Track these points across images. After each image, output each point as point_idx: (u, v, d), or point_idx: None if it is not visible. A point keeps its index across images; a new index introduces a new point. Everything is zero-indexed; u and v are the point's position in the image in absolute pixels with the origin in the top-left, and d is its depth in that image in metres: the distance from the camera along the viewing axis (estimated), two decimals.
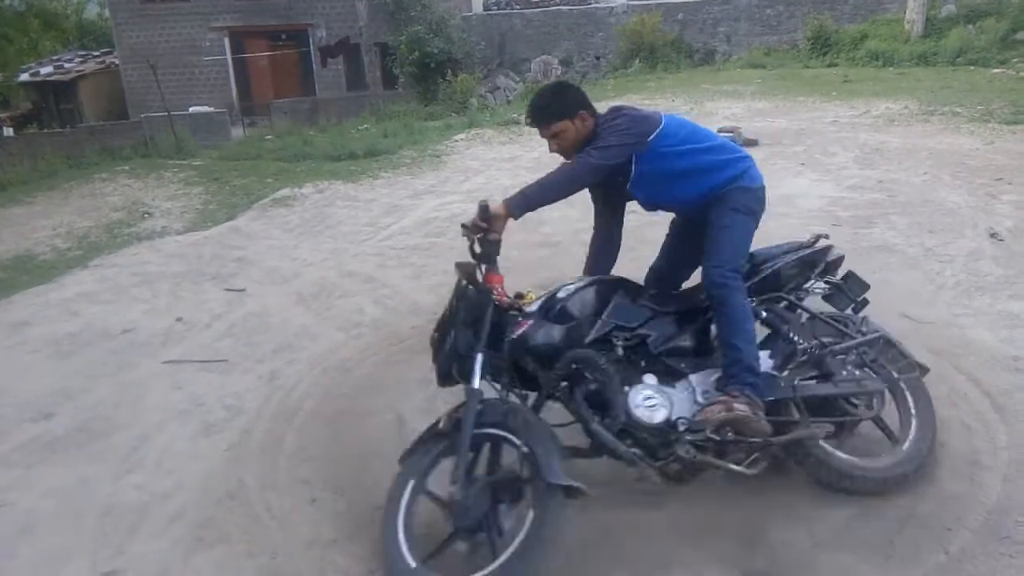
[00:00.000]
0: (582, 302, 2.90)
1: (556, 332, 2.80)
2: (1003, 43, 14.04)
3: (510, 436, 2.58)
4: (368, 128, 13.07)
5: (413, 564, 2.44)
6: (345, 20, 21.16)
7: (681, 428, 2.64)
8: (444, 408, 3.61)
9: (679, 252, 3.20)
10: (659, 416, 2.65)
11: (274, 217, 7.27)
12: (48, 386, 4.15)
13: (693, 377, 2.81)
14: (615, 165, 2.83)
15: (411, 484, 2.61)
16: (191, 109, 16.25)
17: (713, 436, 2.62)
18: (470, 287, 2.82)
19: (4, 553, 2.86)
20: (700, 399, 2.75)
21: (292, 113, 17.61)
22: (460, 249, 5.78)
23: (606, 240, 3.28)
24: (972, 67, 13.27)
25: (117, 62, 22.05)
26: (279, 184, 8.49)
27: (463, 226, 2.80)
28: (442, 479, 2.58)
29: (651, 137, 2.83)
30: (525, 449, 2.52)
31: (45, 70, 22.75)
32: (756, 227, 3.01)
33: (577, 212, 6.55)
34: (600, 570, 2.58)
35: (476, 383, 2.64)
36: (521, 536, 2.37)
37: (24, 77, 22.47)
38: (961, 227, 5.48)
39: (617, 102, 13.01)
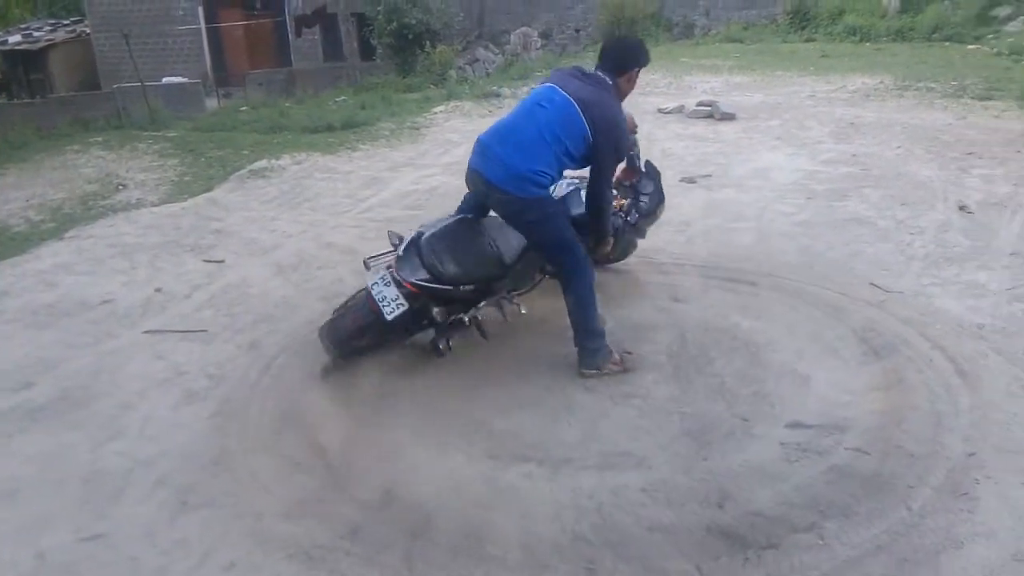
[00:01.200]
0: None
1: None
2: (978, 19, 14.16)
3: None
4: (345, 100, 12.94)
5: None
6: None
7: None
8: (425, 378, 3.69)
9: None
10: None
11: (251, 189, 7.22)
12: (27, 356, 4.14)
13: None
14: None
15: None
16: (165, 80, 15.95)
17: None
18: None
19: None
20: None
21: (267, 84, 17.38)
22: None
23: None
24: (948, 43, 13.38)
25: (88, 31, 21.56)
26: (256, 156, 8.41)
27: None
28: None
29: None
30: None
31: (13, 39, 22.18)
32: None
33: None
34: None
35: None
36: None
37: None
38: (932, 200, 5.59)
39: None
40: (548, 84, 3.54)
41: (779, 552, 2.49)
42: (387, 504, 2.84)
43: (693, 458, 2.99)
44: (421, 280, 3.48)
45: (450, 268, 3.53)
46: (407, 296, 3.47)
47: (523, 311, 3.96)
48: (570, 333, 3.75)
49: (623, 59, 3.55)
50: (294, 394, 3.61)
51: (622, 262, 4.53)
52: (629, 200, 4.20)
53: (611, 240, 3.88)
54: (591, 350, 3.58)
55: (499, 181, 3.43)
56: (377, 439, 3.23)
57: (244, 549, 2.66)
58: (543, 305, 4.25)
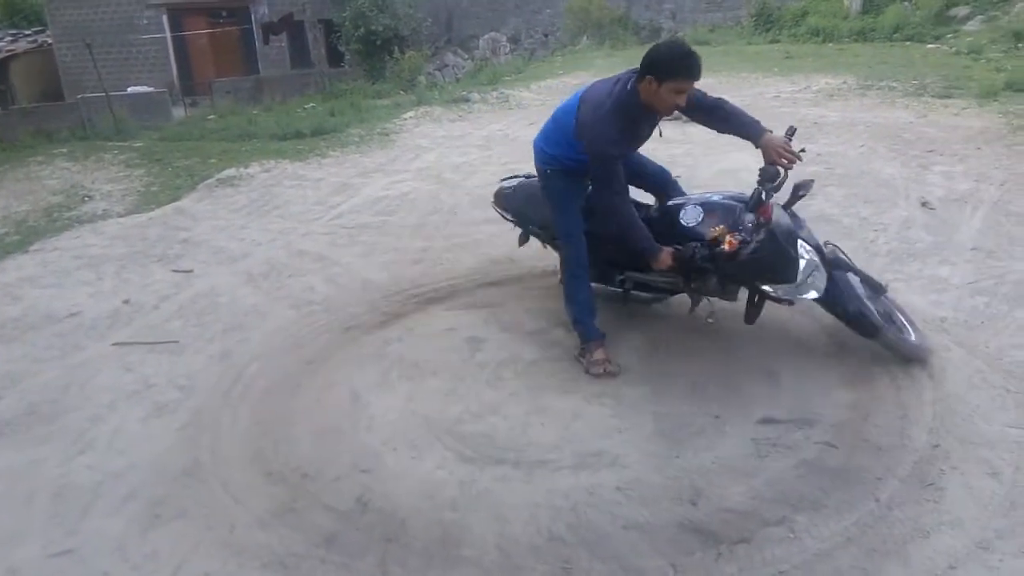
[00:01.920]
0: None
1: None
2: (937, 19, 14.42)
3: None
4: (314, 107, 12.88)
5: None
6: None
7: None
8: (399, 383, 3.69)
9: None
10: None
11: (220, 197, 7.16)
12: None
13: None
14: None
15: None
16: (130, 89, 15.76)
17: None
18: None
19: None
20: None
21: (235, 92, 17.23)
22: (411, 227, 5.86)
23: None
24: (908, 43, 13.63)
25: (50, 41, 21.22)
26: (224, 164, 8.33)
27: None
28: None
29: None
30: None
31: None
32: None
33: None
34: None
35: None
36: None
37: None
38: (895, 197, 5.69)
39: (566, 79, 13.13)
40: (591, 82, 3.67)
41: (751, 546, 2.52)
42: (361, 511, 2.83)
43: (666, 456, 3.03)
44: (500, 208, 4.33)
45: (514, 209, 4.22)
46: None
47: (709, 320, 3.69)
48: (544, 336, 3.78)
49: (642, 64, 3.27)
50: (266, 403, 3.59)
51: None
52: (724, 235, 3.18)
53: (663, 258, 3.34)
54: (577, 333, 3.77)
55: (533, 150, 3.88)
56: (350, 446, 3.22)
57: (217, 560, 2.64)
58: (516, 308, 4.28)
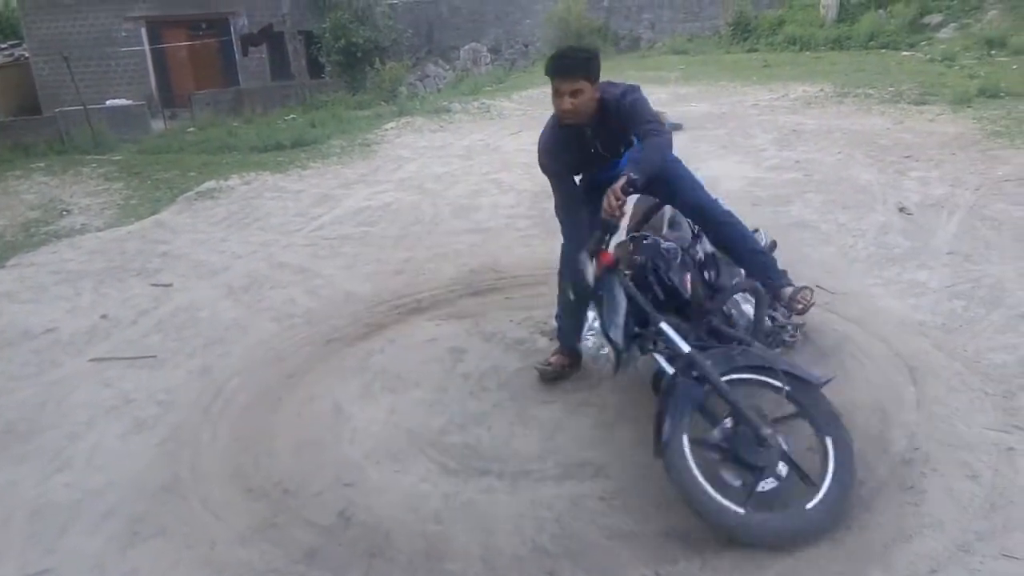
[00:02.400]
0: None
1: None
2: (911, 27, 14.64)
3: (768, 378, 2.73)
4: (295, 118, 12.84)
5: (741, 511, 2.51)
6: (267, 8, 20.64)
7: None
8: (381, 395, 3.67)
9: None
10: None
11: (199, 210, 7.11)
12: None
13: None
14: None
15: (686, 442, 2.61)
16: (108, 102, 15.63)
17: None
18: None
19: None
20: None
21: (215, 104, 17.13)
22: (393, 238, 5.84)
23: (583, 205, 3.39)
24: (884, 50, 13.81)
25: (27, 55, 21.04)
26: (203, 177, 8.28)
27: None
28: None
29: None
30: (788, 387, 2.70)
31: None
32: None
33: (509, 199, 6.64)
34: None
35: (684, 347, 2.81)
36: (833, 457, 2.62)
37: None
38: (872, 203, 5.75)
39: (548, 89, 13.14)
40: None
41: (735, 553, 2.52)
42: (344, 525, 2.81)
43: (649, 464, 3.01)
44: None
45: None
46: None
47: None
48: (527, 346, 3.78)
49: None
50: (247, 418, 3.56)
51: None
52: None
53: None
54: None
55: None
56: (332, 460, 3.20)
57: None
58: (498, 318, 4.27)
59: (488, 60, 20.21)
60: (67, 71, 14.42)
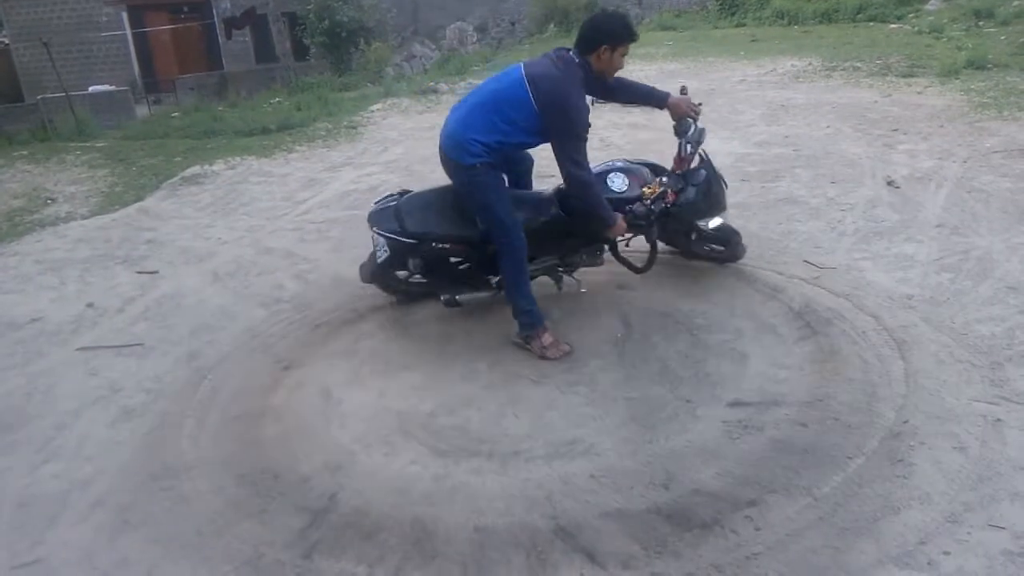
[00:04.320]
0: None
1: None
2: None
3: None
4: (280, 101, 12.70)
5: None
6: None
7: None
8: (371, 379, 3.66)
9: None
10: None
11: (185, 196, 7.04)
12: None
13: None
14: None
15: None
16: (91, 88, 15.42)
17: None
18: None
19: None
20: None
21: (199, 88, 16.96)
22: None
23: None
24: (871, 23, 13.75)
25: (7, 41, 20.74)
26: (188, 162, 8.19)
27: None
28: None
29: None
30: None
31: None
32: None
33: None
34: None
35: None
36: None
37: None
38: (861, 177, 5.74)
39: None
40: (516, 63, 3.68)
41: (724, 528, 2.53)
42: (334, 509, 2.80)
43: (639, 442, 3.03)
44: (388, 232, 3.79)
45: (412, 224, 3.77)
46: (389, 244, 3.82)
47: (582, 289, 4.21)
48: (513, 327, 3.77)
49: (586, 38, 3.55)
50: (235, 404, 3.54)
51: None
52: (663, 188, 3.80)
53: (620, 224, 3.71)
54: (520, 322, 3.75)
55: (445, 147, 3.66)
56: (322, 445, 3.19)
57: (188, 566, 2.60)
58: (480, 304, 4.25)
59: (474, 39, 20.05)
60: (48, 57, 14.22)
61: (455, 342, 3.92)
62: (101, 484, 3.06)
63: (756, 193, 5.60)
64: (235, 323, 4.37)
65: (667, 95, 3.90)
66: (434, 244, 3.79)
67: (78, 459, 3.26)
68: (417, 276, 4.04)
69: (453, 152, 3.59)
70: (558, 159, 3.52)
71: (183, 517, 2.82)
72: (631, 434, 3.08)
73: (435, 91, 11.23)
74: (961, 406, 3.02)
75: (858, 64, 10.02)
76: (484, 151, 3.51)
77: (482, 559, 2.53)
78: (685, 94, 3.96)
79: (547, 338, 3.69)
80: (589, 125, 3.51)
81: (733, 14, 16.42)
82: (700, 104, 3.97)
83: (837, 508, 2.56)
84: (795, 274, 4.26)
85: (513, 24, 20.51)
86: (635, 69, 11.43)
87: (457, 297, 3.91)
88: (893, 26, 13.14)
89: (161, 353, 4.11)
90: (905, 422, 2.95)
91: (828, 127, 7.20)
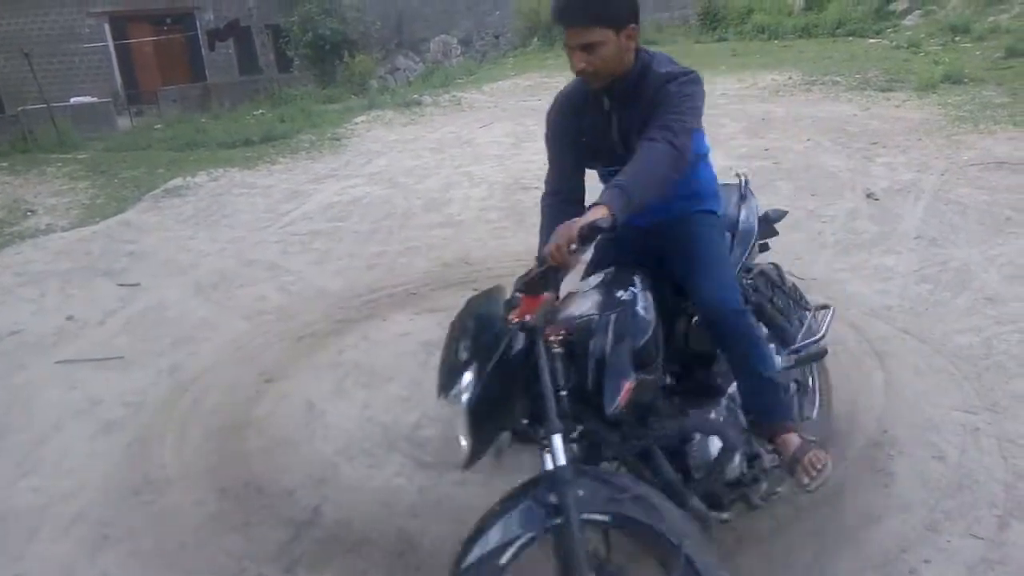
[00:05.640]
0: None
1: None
2: (877, 14, 14.78)
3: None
4: (263, 113, 12.70)
5: None
6: (234, 1, 20.42)
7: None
8: (355, 391, 3.64)
9: None
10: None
11: (167, 208, 7.01)
12: None
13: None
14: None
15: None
16: (73, 100, 15.36)
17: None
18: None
19: None
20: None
21: (182, 100, 16.92)
22: (365, 232, 5.80)
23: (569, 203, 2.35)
24: (850, 38, 13.94)
25: None
26: (171, 174, 8.17)
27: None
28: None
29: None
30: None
31: None
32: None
33: (481, 191, 6.62)
34: None
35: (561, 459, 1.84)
36: None
37: None
38: (840, 189, 5.81)
39: (519, 80, 13.13)
40: None
41: (705, 540, 2.53)
42: (318, 522, 2.79)
43: None
44: None
45: None
46: None
47: None
48: None
49: None
50: (217, 417, 3.52)
51: None
52: None
53: None
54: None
55: None
56: (305, 458, 3.17)
57: None
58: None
59: (459, 52, 20.14)
60: (29, 69, 14.13)
61: (439, 353, 3.91)
62: (81, 498, 3.03)
63: None
64: (217, 335, 4.35)
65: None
66: None
67: (58, 473, 3.22)
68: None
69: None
70: None
71: (165, 531, 2.80)
72: None
73: (419, 103, 11.26)
74: (940, 415, 3.06)
75: (837, 78, 10.16)
76: None
77: None
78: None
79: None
80: (553, 132, 2.41)
81: (714, 29, 16.58)
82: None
83: (818, 518, 2.58)
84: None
85: (497, 37, 20.61)
86: None
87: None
88: (872, 41, 13.33)
89: (142, 366, 4.08)
90: (885, 432, 2.98)
91: (808, 140, 7.29)
